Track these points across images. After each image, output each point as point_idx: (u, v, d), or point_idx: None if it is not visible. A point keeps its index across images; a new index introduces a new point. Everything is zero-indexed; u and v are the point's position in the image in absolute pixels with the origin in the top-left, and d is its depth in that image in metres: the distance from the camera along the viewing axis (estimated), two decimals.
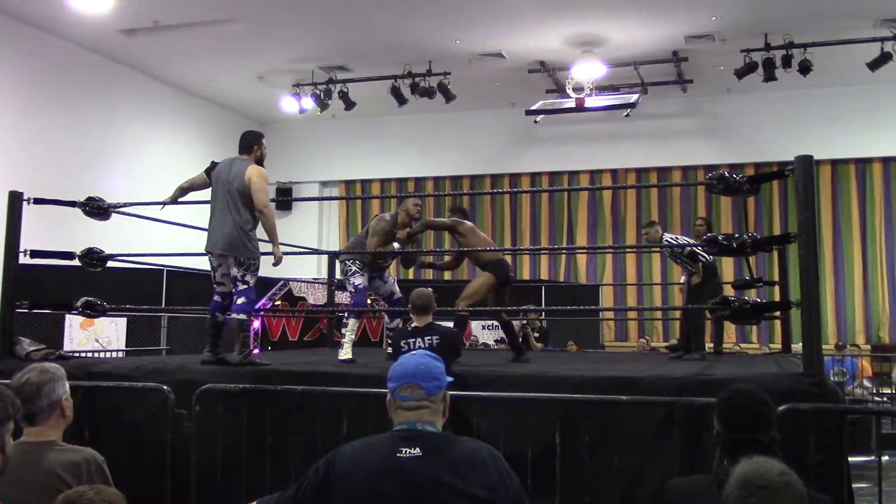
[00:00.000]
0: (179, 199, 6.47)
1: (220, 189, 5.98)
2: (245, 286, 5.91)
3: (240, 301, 5.91)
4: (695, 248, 7.68)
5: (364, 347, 10.41)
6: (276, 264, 6.14)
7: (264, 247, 6.11)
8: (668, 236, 8.18)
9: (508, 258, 16.32)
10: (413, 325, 5.36)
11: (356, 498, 2.42)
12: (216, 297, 6.12)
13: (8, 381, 3.09)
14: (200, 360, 6.05)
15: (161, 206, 6.57)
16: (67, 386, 3.12)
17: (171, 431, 4.62)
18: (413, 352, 2.79)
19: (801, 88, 13.28)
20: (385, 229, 7.00)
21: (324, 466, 2.53)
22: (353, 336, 6.81)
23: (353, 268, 7.02)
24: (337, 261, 8.51)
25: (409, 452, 2.44)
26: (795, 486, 1.95)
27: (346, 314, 7.16)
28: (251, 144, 6.14)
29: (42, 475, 2.87)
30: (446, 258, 8.21)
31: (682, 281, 9.11)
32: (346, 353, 6.61)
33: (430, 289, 5.56)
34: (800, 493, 1.95)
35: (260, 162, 6.10)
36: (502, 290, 7.08)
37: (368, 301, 8.69)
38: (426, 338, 5.10)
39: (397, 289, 7.39)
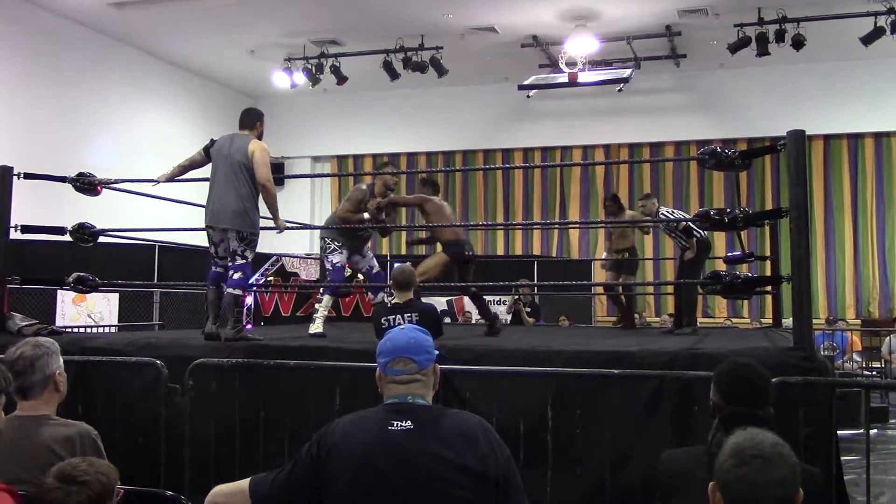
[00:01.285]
0: (177, 178, 6.42)
1: (220, 163, 5.96)
2: (243, 261, 5.93)
3: (236, 276, 5.91)
4: (690, 224, 7.67)
5: (357, 322, 10.45)
6: (279, 233, 6.32)
7: (264, 222, 6.13)
8: (664, 210, 8.20)
9: (500, 233, 16.45)
10: (393, 301, 5.37)
11: (348, 472, 2.44)
12: (217, 269, 6.09)
13: (1, 356, 3.10)
14: (203, 332, 6.04)
15: (154, 182, 6.55)
16: (61, 360, 3.13)
17: (164, 406, 4.64)
18: (401, 326, 2.79)
19: (795, 63, 13.24)
20: (359, 198, 7.03)
21: (315, 442, 2.54)
22: (326, 312, 6.88)
23: (333, 245, 7.05)
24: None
25: (401, 425, 2.45)
26: (788, 458, 1.97)
27: (321, 290, 7.23)
28: (254, 121, 6.15)
29: (36, 449, 2.89)
30: (422, 234, 8.24)
31: (675, 256, 9.16)
32: (317, 327, 6.70)
33: (410, 265, 5.58)
34: (792, 465, 1.96)
35: (260, 140, 6.11)
36: (465, 268, 7.07)
37: (359, 277, 8.73)
38: (406, 315, 5.13)
39: (375, 263, 7.44)
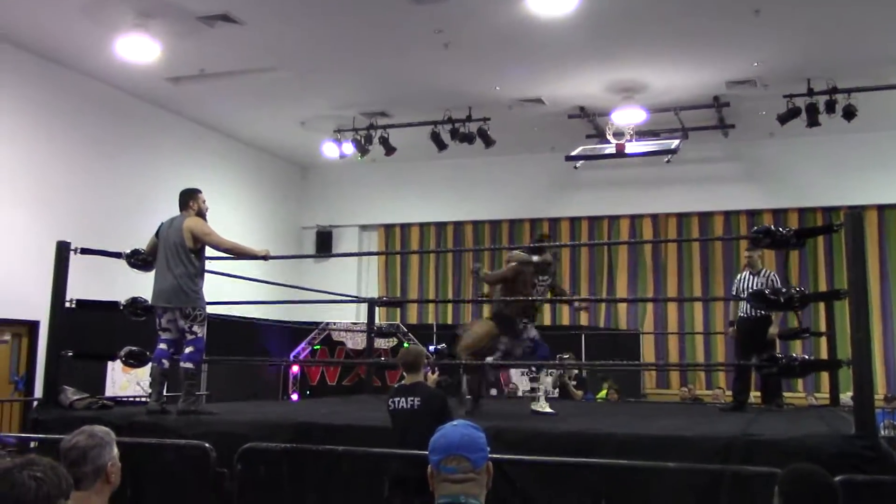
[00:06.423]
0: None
1: (161, 246, 6.35)
2: (193, 336, 6.18)
3: (188, 350, 6.16)
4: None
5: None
6: (265, 258, 6.64)
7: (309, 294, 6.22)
8: (771, 273, 8.00)
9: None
10: (403, 382, 5.27)
11: None
12: (161, 346, 6.31)
13: (62, 437, 3.13)
14: (146, 409, 6.21)
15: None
16: (115, 450, 3.13)
17: (213, 490, 4.61)
18: (453, 423, 2.72)
19: (846, 133, 13.07)
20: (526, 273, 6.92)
21: None
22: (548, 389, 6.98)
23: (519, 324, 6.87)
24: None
25: None
26: None
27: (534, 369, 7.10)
28: (187, 201, 6.52)
29: None
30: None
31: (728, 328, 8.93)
32: (542, 406, 6.64)
33: (418, 347, 5.49)
34: None
35: (201, 216, 6.43)
36: None
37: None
38: (409, 398, 5.01)
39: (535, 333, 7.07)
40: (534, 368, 7.07)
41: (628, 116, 12.88)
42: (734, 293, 8.41)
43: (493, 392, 11.63)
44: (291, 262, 15.78)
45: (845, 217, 4.75)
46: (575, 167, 14.14)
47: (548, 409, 6.57)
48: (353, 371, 13.24)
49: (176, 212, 6.61)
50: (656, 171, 14.57)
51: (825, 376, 11.84)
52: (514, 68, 11.81)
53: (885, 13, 10.01)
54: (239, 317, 11.70)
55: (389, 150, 13.96)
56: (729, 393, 9.38)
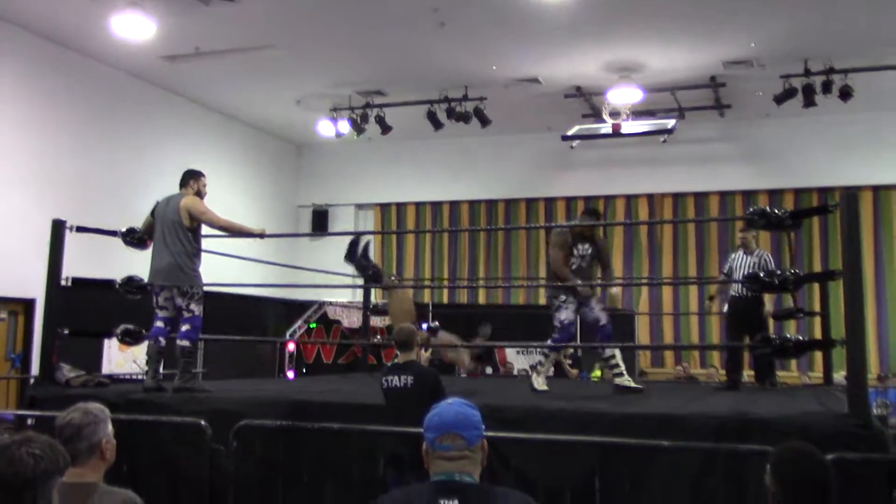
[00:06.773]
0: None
1: (158, 225, 6.38)
2: (190, 314, 6.21)
3: (184, 328, 6.21)
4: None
5: None
6: (262, 236, 6.72)
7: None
8: (764, 254, 8.03)
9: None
10: (395, 361, 5.31)
11: None
12: (158, 323, 6.36)
13: (56, 414, 3.14)
14: (142, 386, 6.23)
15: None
16: (110, 427, 3.14)
17: (209, 467, 4.63)
18: (448, 401, 2.73)
19: (842, 113, 13.04)
20: (562, 242, 6.85)
21: None
22: (550, 368, 7.00)
23: (557, 302, 6.76)
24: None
25: None
26: None
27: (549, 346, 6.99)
28: (188, 180, 6.54)
29: None
30: None
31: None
32: (541, 384, 6.67)
33: (410, 325, 5.54)
34: None
35: (199, 196, 6.46)
36: None
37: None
38: (402, 376, 5.06)
39: (603, 315, 6.91)
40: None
41: (624, 96, 12.85)
42: (725, 272, 8.44)
43: (489, 370, 11.67)
44: (287, 241, 15.76)
45: (841, 198, 4.76)
46: (571, 147, 14.13)
47: (543, 387, 6.61)
48: (350, 349, 13.28)
49: (171, 190, 6.62)
50: (652, 150, 14.56)
51: (819, 356, 11.91)
52: (511, 48, 11.76)
53: None
54: (235, 295, 11.71)
55: (385, 128, 13.93)
56: (723, 372, 9.44)
